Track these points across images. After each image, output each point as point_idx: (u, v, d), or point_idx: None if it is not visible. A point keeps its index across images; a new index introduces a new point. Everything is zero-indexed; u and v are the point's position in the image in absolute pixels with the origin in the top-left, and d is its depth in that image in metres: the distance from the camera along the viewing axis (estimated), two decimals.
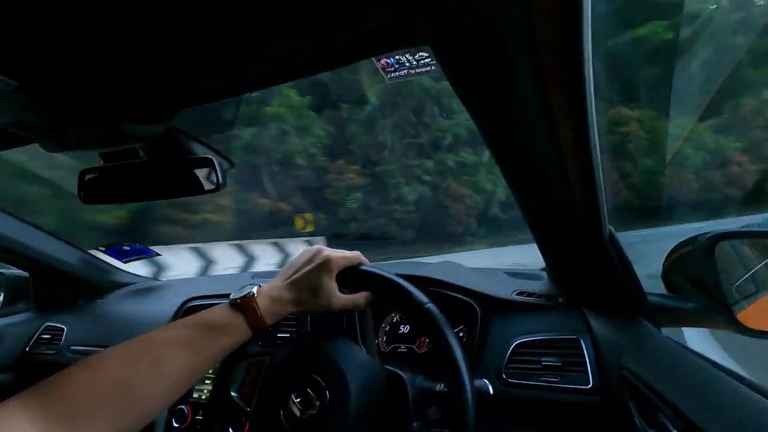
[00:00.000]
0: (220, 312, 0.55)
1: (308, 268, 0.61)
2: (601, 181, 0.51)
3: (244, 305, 0.55)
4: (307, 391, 0.54)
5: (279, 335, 0.98)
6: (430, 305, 0.56)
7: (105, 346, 1.10)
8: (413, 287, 0.58)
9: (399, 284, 0.59)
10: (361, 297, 0.64)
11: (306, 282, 0.60)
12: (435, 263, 1.06)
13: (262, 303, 0.56)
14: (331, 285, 0.61)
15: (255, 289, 0.57)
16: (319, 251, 0.63)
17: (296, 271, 0.62)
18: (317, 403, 0.52)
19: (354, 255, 0.66)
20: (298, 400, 0.54)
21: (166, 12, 0.33)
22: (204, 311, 0.56)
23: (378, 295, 0.64)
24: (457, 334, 0.83)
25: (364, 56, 0.40)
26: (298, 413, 0.53)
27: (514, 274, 1.05)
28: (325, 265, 0.61)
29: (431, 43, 0.35)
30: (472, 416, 0.50)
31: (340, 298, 0.62)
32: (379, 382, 0.56)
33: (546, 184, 0.53)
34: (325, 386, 0.53)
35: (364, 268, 0.64)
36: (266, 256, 5.75)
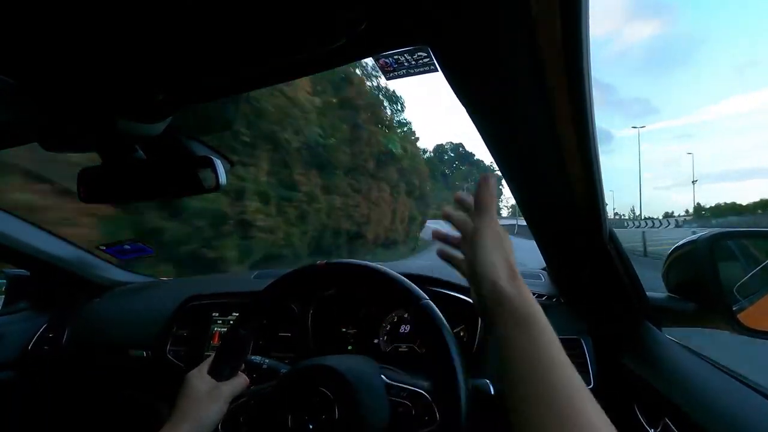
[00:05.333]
0: None
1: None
2: (602, 181, 0.51)
3: None
4: (314, 404, 0.53)
5: (280, 334, 0.98)
6: (427, 301, 0.55)
7: (106, 345, 1.12)
8: (411, 283, 0.58)
9: (395, 280, 0.58)
10: (238, 382, 0.61)
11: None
12: (435, 263, 1.06)
13: None
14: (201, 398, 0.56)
15: None
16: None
17: None
18: (326, 416, 0.52)
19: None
20: (306, 412, 0.53)
21: (166, 10, 0.32)
22: None
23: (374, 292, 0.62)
24: (457, 333, 0.83)
25: (363, 55, 0.40)
26: (309, 426, 0.52)
27: None
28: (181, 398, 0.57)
29: (431, 43, 0.35)
30: (464, 414, 0.49)
31: (222, 394, 0.57)
32: (383, 391, 0.56)
33: (547, 184, 0.53)
34: (333, 399, 0.52)
35: (358, 263, 0.62)
36: None
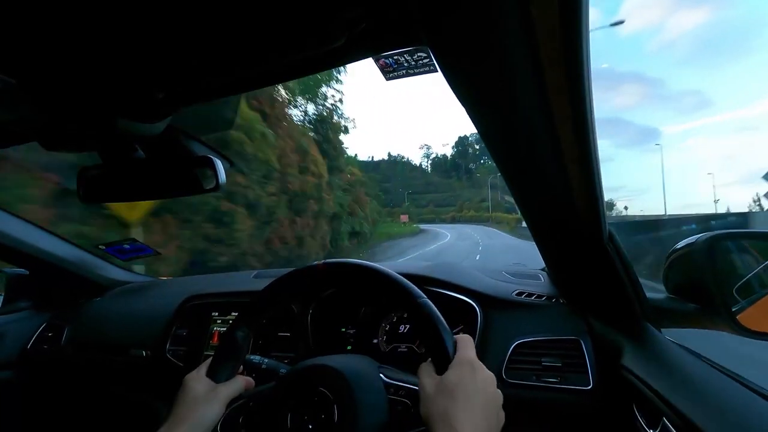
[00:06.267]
0: None
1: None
2: (601, 182, 0.51)
3: None
4: (314, 404, 0.53)
5: (280, 334, 0.98)
6: (425, 299, 0.54)
7: (105, 344, 1.12)
8: (408, 282, 0.57)
9: (392, 278, 0.57)
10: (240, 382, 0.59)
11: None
12: (434, 263, 1.06)
13: None
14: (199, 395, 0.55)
15: None
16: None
17: None
18: (325, 416, 0.52)
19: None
20: (305, 412, 0.53)
21: (166, 10, 0.32)
22: None
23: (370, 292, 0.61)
24: (456, 333, 0.83)
25: (363, 56, 0.40)
26: (309, 426, 0.52)
27: (515, 274, 1.05)
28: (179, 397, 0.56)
29: (430, 43, 0.35)
30: None
31: (220, 396, 0.56)
32: (382, 390, 0.56)
33: (546, 185, 0.53)
34: (332, 399, 0.52)
35: (355, 262, 0.60)
36: None
